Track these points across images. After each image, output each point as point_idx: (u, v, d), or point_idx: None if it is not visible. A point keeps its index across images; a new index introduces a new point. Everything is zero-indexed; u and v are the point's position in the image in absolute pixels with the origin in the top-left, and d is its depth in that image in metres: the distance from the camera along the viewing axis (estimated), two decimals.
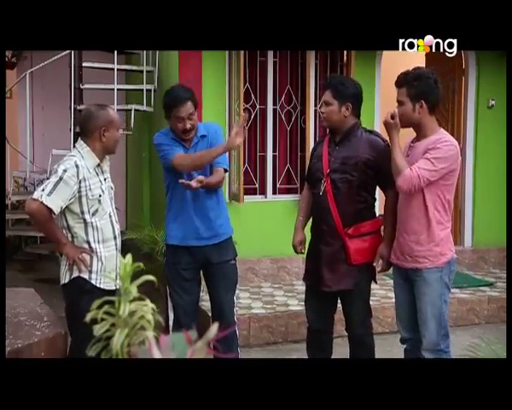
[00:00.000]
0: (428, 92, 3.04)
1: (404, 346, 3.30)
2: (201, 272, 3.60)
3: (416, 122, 3.09)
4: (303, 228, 3.59)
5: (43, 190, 2.87)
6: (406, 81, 3.07)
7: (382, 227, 3.37)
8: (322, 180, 3.34)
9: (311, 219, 3.55)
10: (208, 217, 3.46)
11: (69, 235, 3.00)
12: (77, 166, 2.93)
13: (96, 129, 3.00)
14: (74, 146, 3.12)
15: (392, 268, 3.35)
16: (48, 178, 2.98)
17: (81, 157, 2.99)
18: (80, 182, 2.92)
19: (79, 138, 3.10)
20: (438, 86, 3.09)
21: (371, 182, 3.32)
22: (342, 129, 3.32)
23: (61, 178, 2.88)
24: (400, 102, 3.09)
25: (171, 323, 3.68)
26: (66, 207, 2.93)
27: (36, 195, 2.88)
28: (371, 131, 3.41)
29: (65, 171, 2.90)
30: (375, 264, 3.33)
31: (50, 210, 2.87)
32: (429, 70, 3.17)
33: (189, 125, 3.40)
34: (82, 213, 2.96)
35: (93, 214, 2.98)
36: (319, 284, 3.39)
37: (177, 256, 3.50)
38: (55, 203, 2.87)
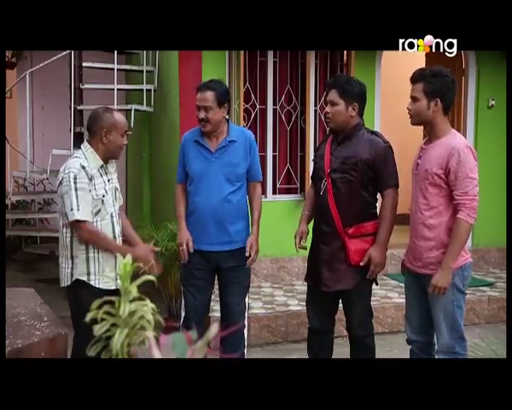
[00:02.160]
0: (445, 91, 2.98)
1: (410, 346, 3.28)
2: (215, 275, 3.59)
3: (429, 120, 3.03)
4: (307, 221, 3.55)
5: (71, 209, 2.90)
6: (423, 77, 3.01)
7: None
8: (323, 180, 3.34)
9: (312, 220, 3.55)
10: (223, 224, 3.42)
11: (68, 233, 3.00)
12: (83, 167, 2.96)
13: (98, 130, 3.02)
14: (78, 147, 3.13)
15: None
16: (60, 183, 2.97)
17: (85, 158, 3.01)
18: (90, 181, 2.96)
19: (85, 140, 3.12)
20: (454, 86, 3.03)
21: (372, 182, 3.31)
22: (346, 129, 3.32)
23: (76, 189, 2.91)
24: (414, 98, 3.04)
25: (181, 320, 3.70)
26: None
27: (70, 217, 2.91)
28: (373, 132, 3.41)
29: (75, 179, 2.91)
30: (362, 264, 3.27)
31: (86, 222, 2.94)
32: (447, 69, 3.10)
33: (201, 116, 3.37)
34: None
35: (95, 214, 2.99)
36: (318, 283, 3.39)
37: (190, 257, 3.48)
38: (87, 213, 2.93)
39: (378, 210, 3.44)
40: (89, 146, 3.05)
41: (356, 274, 3.30)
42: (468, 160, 2.93)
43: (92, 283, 2.98)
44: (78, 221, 2.92)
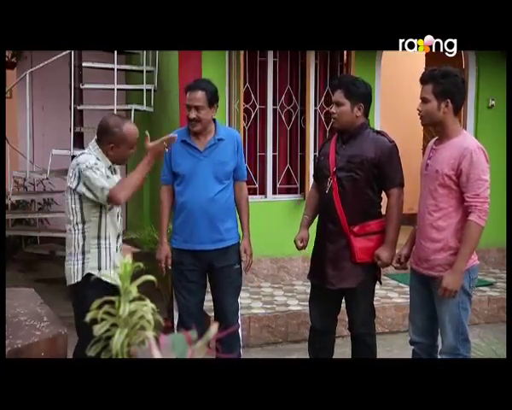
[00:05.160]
0: (455, 91, 2.95)
1: (409, 347, 3.27)
2: (207, 275, 3.60)
3: (439, 121, 2.98)
4: (307, 226, 3.58)
5: (102, 188, 2.93)
6: (432, 78, 2.96)
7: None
8: (328, 178, 3.34)
9: (316, 218, 3.56)
10: (214, 222, 3.44)
11: (80, 229, 3.02)
12: (98, 159, 3.01)
13: (106, 143, 3.04)
14: (78, 147, 3.15)
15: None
16: (75, 175, 2.99)
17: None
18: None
19: (94, 139, 3.13)
20: (464, 86, 3.01)
21: (377, 181, 3.31)
22: (351, 129, 3.32)
23: (101, 175, 2.95)
24: (424, 99, 2.98)
25: (176, 322, 3.69)
26: (88, 199, 2.98)
27: (107, 195, 2.94)
28: (378, 132, 3.42)
29: (96, 165, 2.96)
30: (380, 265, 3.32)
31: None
32: (457, 69, 3.07)
33: (192, 115, 3.37)
34: (100, 206, 3.01)
35: (109, 209, 3.06)
36: (323, 281, 3.39)
37: (182, 258, 3.50)
38: (113, 183, 2.99)
39: (382, 209, 3.45)
40: (97, 147, 3.07)
41: (361, 272, 3.32)
42: (481, 161, 2.89)
43: (103, 277, 2.99)
44: (111, 194, 2.95)
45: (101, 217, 3.04)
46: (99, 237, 3.04)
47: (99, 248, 3.04)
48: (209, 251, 3.46)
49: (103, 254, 3.05)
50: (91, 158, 3.00)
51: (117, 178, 3.14)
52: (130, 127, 3.08)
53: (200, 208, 3.41)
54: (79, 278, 3.03)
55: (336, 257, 3.34)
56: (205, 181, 3.41)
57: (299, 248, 3.55)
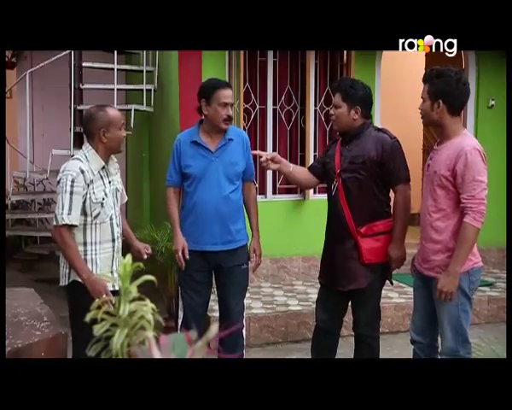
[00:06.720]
0: (447, 92, 2.92)
1: (409, 346, 3.28)
2: (213, 274, 3.59)
3: (436, 122, 3.00)
4: (285, 166, 3.52)
5: (61, 213, 2.86)
6: (429, 78, 2.98)
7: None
8: (334, 180, 3.36)
9: (324, 223, 3.54)
10: (226, 223, 3.43)
11: None
12: (82, 171, 2.92)
13: (96, 130, 2.98)
14: (79, 147, 3.13)
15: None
16: (58, 183, 2.94)
17: (86, 160, 2.97)
18: (88, 186, 2.93)
19: (86, 141, 3.09)
20: (459, 86, 2.95)
21: (382, 180, 3.31)
22: (351, 131, 3.33)
23: (71, 193, 2.88)
24: (422, 99, 3.01)
25: (179, 322, 3.68)
26: None
27: (59, 220, 2.87)
28: (380, 129, 3.42)
29: (73, 182, 2.88)
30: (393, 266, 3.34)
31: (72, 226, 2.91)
32: (456, 69, 3.05)
33: (229, 113, 3.36)
34: (85, 215, 2.95)
35: (95, 217, 2.97)
36: (334, 283, 3.40)
37: (190, 259, 3.46)
38: (76, 218, 2.90)
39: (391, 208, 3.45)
40: (90, 147, 3.00)
41: (369, 273, 3.32)
42: (476, 162, 2.87)
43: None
44: (58, 228, 2.89)
45: (86, 223, 2.96)
46: (85, 244, 2.96)
47: (85, 254, 2.96)
48: (219, 252, 3.45)
49: (90, 261, 2.97)
50: (76, 168, 2.91)
51: (112, 185, 3.08)
52: (112, 109, 3.10)
53: (212, 209, 3.39)
54: (66, 283, 3.00)
55: (345, 258, 3.34)
56: (218, 181, 3.40)
57: (262, 163, 3.43)
